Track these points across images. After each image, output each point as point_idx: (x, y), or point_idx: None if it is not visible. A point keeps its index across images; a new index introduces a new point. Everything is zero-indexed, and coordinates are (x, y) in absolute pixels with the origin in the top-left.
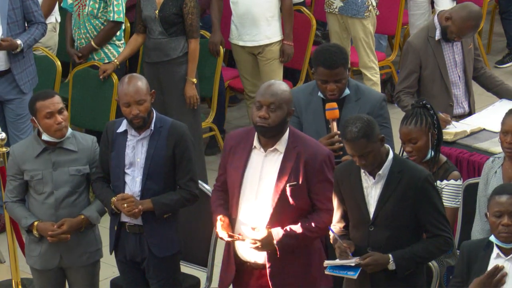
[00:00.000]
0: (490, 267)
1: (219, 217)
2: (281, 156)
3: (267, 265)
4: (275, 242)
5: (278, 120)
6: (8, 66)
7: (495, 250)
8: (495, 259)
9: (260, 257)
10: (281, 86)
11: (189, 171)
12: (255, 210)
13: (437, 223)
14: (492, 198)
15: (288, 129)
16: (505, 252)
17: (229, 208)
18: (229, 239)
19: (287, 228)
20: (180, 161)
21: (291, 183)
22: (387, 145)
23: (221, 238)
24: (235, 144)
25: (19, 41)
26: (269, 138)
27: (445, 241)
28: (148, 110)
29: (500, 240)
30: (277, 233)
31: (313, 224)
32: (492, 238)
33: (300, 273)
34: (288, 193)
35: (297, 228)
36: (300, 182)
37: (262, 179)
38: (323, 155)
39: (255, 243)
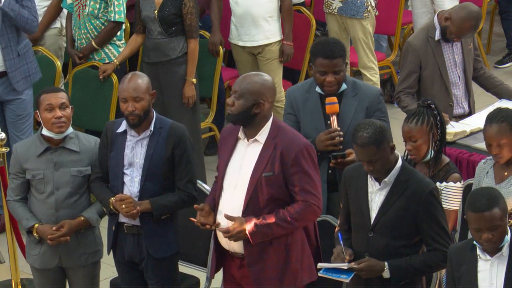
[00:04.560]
0: (479, 267)
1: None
2: (261, 146)
3: (245, 255)
4: (247, 231)
5: (239, 109)
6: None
7: (479, 251)
8: (482, 260)
9: (239, 247)
10: (254, 77)
11: (188, 173)
12: (233, 199)
13: (438, 237)
14: (468, 213)
15: (271, 120)
16: (490, 252)
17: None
18: (202, 226)
19: (260, 217)
20: (179, 163)
21: (266, 173)
22: (397, 153)
23: (196, 223)
24: (227, 135)
25: None
26: (243, 126)
27: (444, 256)
28: (144, 108)
29: (484, 250)
30: (249, 222)
31: (287, 215)
32: (476, 242)
33: (279, 264)
34: (264, 183)
35: (270, 217)
36: (275, 172)
37: (242, 169)
38: (299, 146)
39: (228, 232)
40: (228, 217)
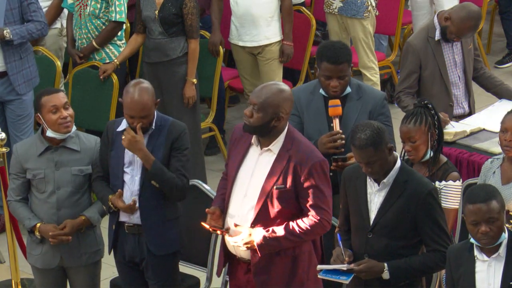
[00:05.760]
0: (477, 268)
1: (207, 209)
2: (274, 157)
3: (251, 263)
4: (255, 242)
5: (258, 122)
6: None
7: (477, 251)
8: (479, 260)
9: (245, 253)
10: (274, 89)
11: (182, 167)
12: (242, 206)
13: (437, 238)
14: (466, 206)
15: (286, 130)
16: (487, 251)
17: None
18: (212, 231)
19: (269, 229)
20: (175, 155)
21: (278, 186)
22: (395, 153)
23: (204, 227)
24: (239, 136)
25: (6, 28)
26: (259, 136)
27: (443, 257)
28: (150, 121)
29: (481, 244)
30: (258, 233)
31: (296, 229)
32: (473, 240)
33: (285, 274)
34: (275, 195)
35: (280, 230)
36: (287, 186)
37: (253, 177)
38: (314, 162)
39: (236, 241)
40: (237, 227)
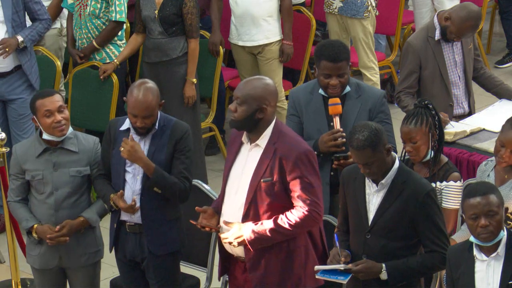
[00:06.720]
0: (476, 268)
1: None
2: (261, 151)
3: (245, 259)
4: (244, 237)
5: (243, 115)
6: (13, 66)
7: (476, 251)
8: (478, 260)
9: (241, 251)
10: (256, 82)
11: (185, 169)
12: (233, 204)
13: (435, 239)
14: (465, 201)
15: (273, 124)
16: (486, 251)
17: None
18: (201, 228)
19: (258, 223)
20: (178, 157)
21: (265, 179)
22: (394, 154)
23: (197, 225)
24: (234, 138)
25: (19, 38)
26: (246, 131)
27: (442, 257)
28: (153, 121)
29: (481, 241)
30: (247, 228)
31: (285, 221)
32: (472, 238)
33: (280, 269)
34: (263, 188)
35: (268, 223)
36: (274, 179)
37: (243, 174)
38: (299, 152)
39: (227, 237)
40: (226, 223)
